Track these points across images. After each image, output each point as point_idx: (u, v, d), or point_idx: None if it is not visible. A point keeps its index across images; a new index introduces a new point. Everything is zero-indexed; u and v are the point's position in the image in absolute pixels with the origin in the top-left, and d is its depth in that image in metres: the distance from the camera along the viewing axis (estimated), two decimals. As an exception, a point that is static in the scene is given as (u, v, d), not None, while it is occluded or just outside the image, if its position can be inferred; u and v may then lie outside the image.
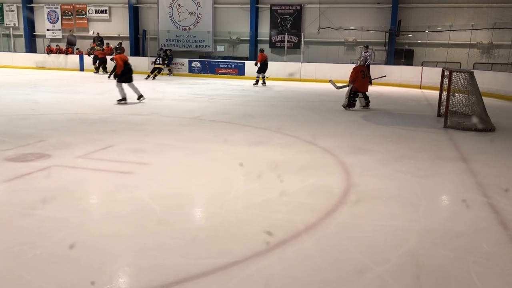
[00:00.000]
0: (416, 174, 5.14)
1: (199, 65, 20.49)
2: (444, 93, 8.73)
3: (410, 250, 3.18)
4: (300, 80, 18.93)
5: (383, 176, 5.03)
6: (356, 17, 20.52)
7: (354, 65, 10.77)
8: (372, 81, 15.04)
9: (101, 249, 3.05)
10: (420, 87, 16.55)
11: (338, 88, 10.72)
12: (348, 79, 10.33)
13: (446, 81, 8.62)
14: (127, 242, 3.16)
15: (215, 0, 22.42)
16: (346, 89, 10.31)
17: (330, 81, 11.21)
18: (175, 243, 3.18)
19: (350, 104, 10.09)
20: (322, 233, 3.43)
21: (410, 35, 19.93)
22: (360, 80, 10.07)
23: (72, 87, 14.35)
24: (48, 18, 25.02)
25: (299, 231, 3.43)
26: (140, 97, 10.72)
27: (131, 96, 10.55)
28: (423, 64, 18.61)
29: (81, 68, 22.02)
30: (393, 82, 17.45)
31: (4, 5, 25.62)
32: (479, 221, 3.76)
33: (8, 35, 25.41)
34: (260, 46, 21.74)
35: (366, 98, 10.41)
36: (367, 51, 17.65)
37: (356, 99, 10.20)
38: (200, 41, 22.78)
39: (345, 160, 5.62)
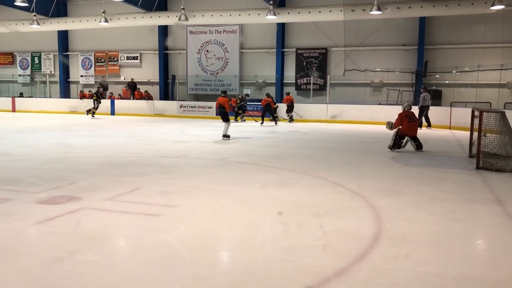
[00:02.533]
0: (450, 217, 4.97)
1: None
2: (475, 134, 8.55)
3: (447, 298, 3.03)
4: (326, 122, 18.95)
5: (416, 219, 4.87)
6: (381, 59, 20.65)
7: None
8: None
9: (127, 293, 3.02)
10: (450, 128, 16.29)
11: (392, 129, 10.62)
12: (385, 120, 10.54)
13: (476, 121, 8.46)
14: (154, 287, 3.12)
15: (242, 45, 23.03)
16: (393, 132, 10.29)
17: (388, 123, 10.87)
18: (201, 288, 3.12)
19: (395, 144, 10.02)
20: (353, 279, 3.31)
21: (437, 75, 19.86)
22: (407, 124, 10.09)
23: (103, 130, 14.75)
24: (82, 65, 26.14)
25: (329, 277, 3.32)
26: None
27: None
28: (451, 104, 18.40)
29: (112, 112, 22.68)
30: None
31: (42, 54, 26.96)
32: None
33: (44, 82, 26.60)
34: (286, 89, 22.05)
35: (416, 140, 10.25)
36: (425, 92, 16.79)
37: (402, 141, 10.09)
38: (227, 85, 23.26)
39: (375, 202, 5.49)
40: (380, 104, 19.84)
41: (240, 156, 9.23)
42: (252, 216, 4.91)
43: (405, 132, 10.12)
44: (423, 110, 15.93)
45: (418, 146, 10.21)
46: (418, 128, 15.74)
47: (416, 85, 19.84)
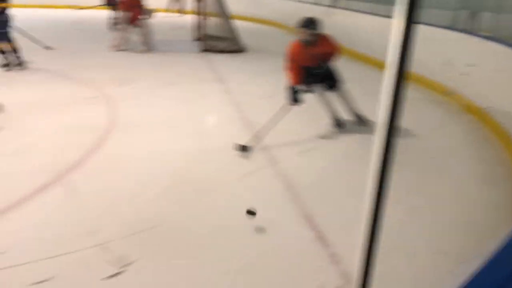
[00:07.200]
0: (181, 98, 5.38)
1: None
2: (199, 17, 9.05)
3: (178, 169, 3.39)
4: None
5: (150, 104, 5.09)
6: None
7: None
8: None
9: None
10: (178, 12, 16.71)
11: None
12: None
13: (199, 5, 8.90)
14: None
15: None
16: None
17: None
18: None
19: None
20: (89, 168, 3.35)
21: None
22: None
23: None
24: None
25: (66, 170, 3.27)
26: None
27: None
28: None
29: None
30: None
31: None
32: (238, 132, 4.20)
33: None
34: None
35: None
36: None
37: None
38: None
39: (109, 92, 5.44)
40: None
41: None
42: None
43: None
44: None
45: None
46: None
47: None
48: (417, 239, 2.57)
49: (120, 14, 8.28)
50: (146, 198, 2.95)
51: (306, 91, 4.10)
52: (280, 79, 4.65)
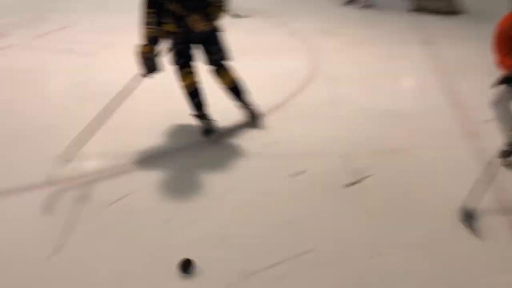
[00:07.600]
0: (381, 57, 5.19)
1: None
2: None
3: (371, 129, 3.37)
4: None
5: (349, 58, 5.07)
6: None
7: None
8: None
9: (62, 127, 3.08)
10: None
11: None
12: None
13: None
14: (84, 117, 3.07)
15: None
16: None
17: None
18: (138, 122, 3.23)
19: None
20: (284, 114, 3.55)
21: None
22: None
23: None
24: None
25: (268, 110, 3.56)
26: None
27: None
28: None
29: None
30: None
31: None
32: (435, 102, 3.91)
33: None
34: None
35: None
36: None
37: None
38: None
39: (313, 43, 5.57)
40: None
41: None
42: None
43: None
44: None
45: None
46: None
47: None
48: None
49: None
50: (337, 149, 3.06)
51: None
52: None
